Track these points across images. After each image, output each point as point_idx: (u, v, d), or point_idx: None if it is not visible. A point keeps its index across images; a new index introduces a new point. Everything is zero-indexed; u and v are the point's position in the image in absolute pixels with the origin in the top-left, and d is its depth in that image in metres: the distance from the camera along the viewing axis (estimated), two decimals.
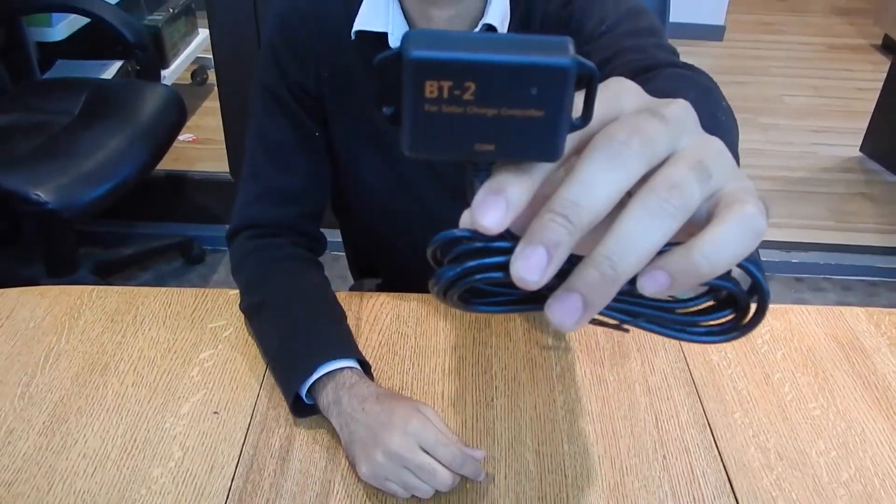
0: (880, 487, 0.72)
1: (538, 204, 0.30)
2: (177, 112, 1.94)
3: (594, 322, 0.32)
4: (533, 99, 0.28)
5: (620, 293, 0.29)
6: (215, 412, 0.79)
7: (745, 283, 0.31)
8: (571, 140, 0.30)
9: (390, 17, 0.83)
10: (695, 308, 0.33)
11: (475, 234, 0.31)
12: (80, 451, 0.74)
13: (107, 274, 2.08)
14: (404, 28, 0.83)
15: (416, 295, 0.96)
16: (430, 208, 0.95)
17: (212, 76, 3.07)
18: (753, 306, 0.32)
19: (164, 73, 2.74)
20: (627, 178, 0.29)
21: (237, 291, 0.95)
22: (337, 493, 0.71)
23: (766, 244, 2.33)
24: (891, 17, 3.68)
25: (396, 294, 0.96)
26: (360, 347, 0.85)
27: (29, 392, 0.81)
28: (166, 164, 1.96)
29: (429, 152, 0.30)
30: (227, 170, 2.27)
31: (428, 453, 0.69)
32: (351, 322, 0.88)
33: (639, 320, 0.33)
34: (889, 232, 2.47)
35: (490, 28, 0.82)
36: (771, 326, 0.92)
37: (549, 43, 0.28)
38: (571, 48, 0.28)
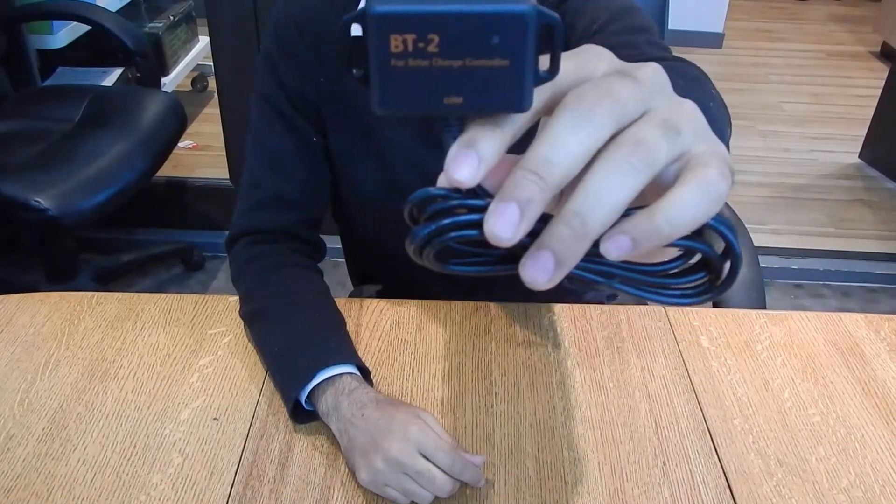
0: (880, 494, 0.72)
1: (514, 162, 0.30)
2: (177, 119, 1.94)
3: (571, 283, 0.32)
4: (496, 48, 0.28)
5: (596, 254, 0.30)
6: (215, 418, 0.79)
7: (718, 245, 0.32)
8: (542, 98, 0.31)
9: None
10: (670, 271, 0.34)
11: (451, 193, 0.32)
12: (80, 457, 0.74)
13: (107, 280, 2.08)
14: None
15: (415, 301, 0.96)
16: None
17: (212, 83, 3.07)
18: (727, 267, 0.32)
19: (164, 80, 2.74)
20: (598, 137, 0.30)
21: (237, 298, 0.95)
22: (336, 499, 0.71)
23: (766, 250, 2.33)
24: (889, 25, 3.70)
25: (396, 300, 0.96)
26: (360, 354, 0.85)
27: (28, 398, 0.81)
28: (166, 170, 1.97)
29: (399, 109, 0.30)
30: (228, 176, 2.27)
31: (428, 459, 0.69)
32: (350, 328, 0.88)
33: (613, 281, 0.33)
34: (888, 238, 2.47)
35: None
36: (770, 333, 0.92)
37: None
38: None
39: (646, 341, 0.90)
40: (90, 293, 0.96)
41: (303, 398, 0.77)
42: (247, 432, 0.77)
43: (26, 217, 1.60)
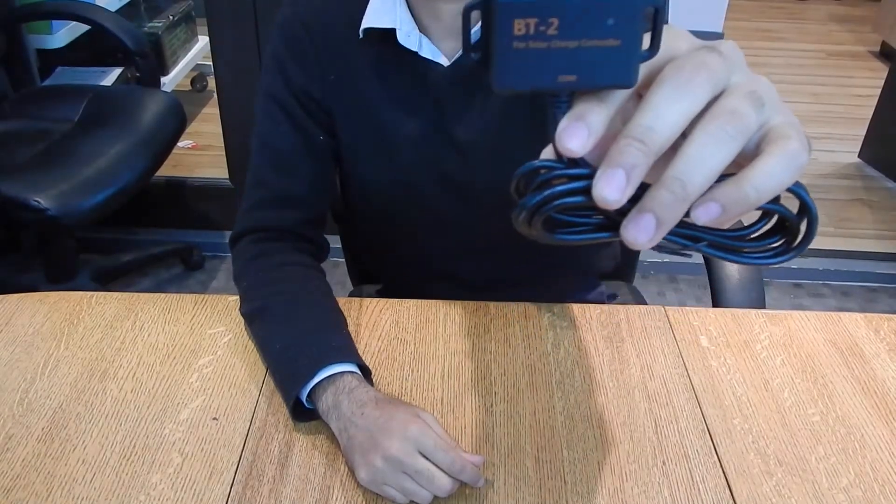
0: (880, 493, 0.72)
1: (611, 137, 0.33)
2: (176, 119, 1.94)
3: (661, 248, 0.35)
4: (610, 29, 0.32)
5: (682, 221, 0.33)
6: (214, 418, 0.79)
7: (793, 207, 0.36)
8: (641, 72, 0.34)
9: (397, 13, 0.85)
10: (751, 235, 0.36)
11: (556, 164, 0.35)
12: (79, 457, 0.74)
13: (106, 280, 2.08)
14: (411, 24, 0.85)
15: (414, 301, 0.96)
16: (433, 210, 0.96)
17: (211, 83, 3.07)
18: (803, 228, 0.36)
19: (163, 79, 2.74)
20: (695, 106, 0.33)
21: (236, 297, 0.95)
22: (336, 499, 0.71)
23: None
24: (889, 24, 3.70)
25: (395, 300, 0.96)
26: (360, 353, 0.85)
27: (28, 398, 0.81)
28: (166, 170, 1.97)
29: (517, 87, 0.33)
30: (227, 176, 2.27)
31: (427, 458, 0.69)
32: (350, 328, 0.88)
33: (700, 244, 0.36)
34: (888, 238, 2.47)
35: None
36: (770, 332, 0.92)
37: None
38: None
39: (645, 341, 0.90)
40: (89, 293, 0.96)
41: (303, 397, 0.77)
42: (246, 432, 0.77)
43: (26, 217, 1.60)
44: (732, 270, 1.03)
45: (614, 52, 0.32)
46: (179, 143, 2.00)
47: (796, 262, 2.35)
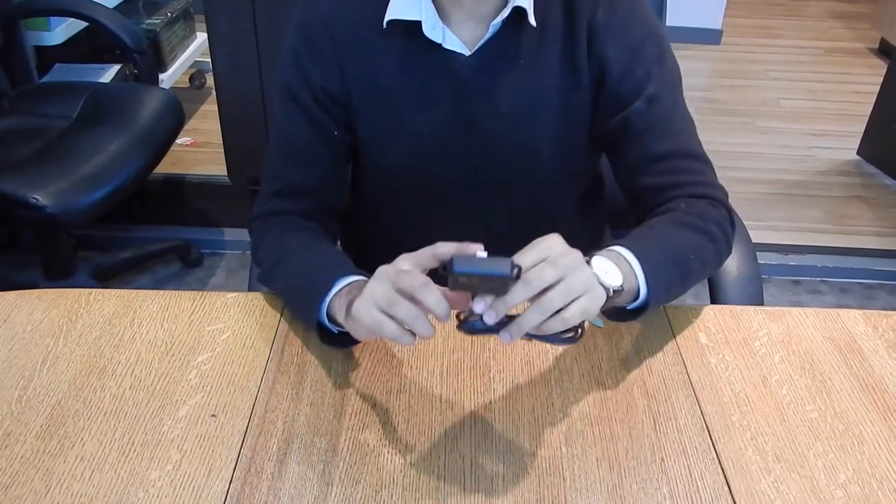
0: (878, 489, 0.72)
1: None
2: (175, 116, 1.94)
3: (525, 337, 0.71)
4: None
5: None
6: (213, 415, 0.79)
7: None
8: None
9: (422, 5, 0.88)
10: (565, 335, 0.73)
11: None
12: (78, 454, 0.74)
13: (105, 278, 2.08)
14: (435, 16, 0.88)
15: None
16: (448, 199, 1.00)
17: (210, 80, 3.07)
18: (581, 329, 0.74)
19: (162, 76, 2.74)
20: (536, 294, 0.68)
21: (235, 294, 0.95)
22: (335, 495, 0.71)
23: (765, 247, 2.33)
24: (888, 21, 3.70)
25: None
26: (358, 350, 0.85)
27: (26, 395, 0.81)
28: (164, 167, 1.96)
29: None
30: (226, 173, 2.27)
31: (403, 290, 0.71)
32: None
33: (533, 338, 0.73)
34: (886, 235, 2.48)
35: (519, 10, 0.87)
36: (769, 329, 0.92)
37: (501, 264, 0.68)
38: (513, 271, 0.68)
39: (644, 338, 0.90)
40: (87, 290, 0.96)
41: (323, 316, 0.81)
42: (245, 429, 0.77)
43: (24, 214, 1.60)
44: (731, 267, 1.03)
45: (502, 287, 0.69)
46: (178, 141, 2.00)
47: (795, 259, 2.35)
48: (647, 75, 0.91)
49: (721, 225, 0.90)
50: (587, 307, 0.70)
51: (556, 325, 0.69)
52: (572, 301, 0.69)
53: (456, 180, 0.99)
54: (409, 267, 0.72)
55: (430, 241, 1.05)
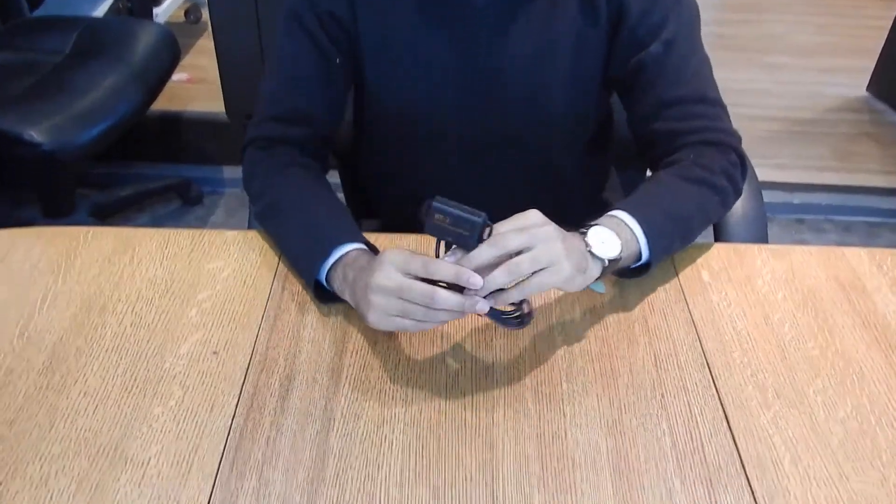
0: (876, 424, 0.73)
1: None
2: (170, 51, 1.90)
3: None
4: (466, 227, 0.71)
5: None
6: (214, 352, 0.79)
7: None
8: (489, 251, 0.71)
9: None
10: (511, 315, 0.76)
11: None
12: (81, 389, 0.74)
13: (104, 215, 2.07)
14: None
15: (415, 236, 0.95)
16: (453, 138, 0.98)
17: (206, 14, 3.00)
18: (525, 316, 0.76)
19: (156, 10, 2.68)
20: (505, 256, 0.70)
21: (235, 232, 0.94)
22: (337, 430, 0.71)
23: (770, 185, 2.31)
24: None
25: (396, 234, 0.95)
26: None
27: (27, 332, 0.81)
28: (161, 104, 1.93)
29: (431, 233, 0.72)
30: (223, 110, 2.23)
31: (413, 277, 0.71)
32: None
33: (488, 315, 0.74)
34: (893, 173, 2.45)
35: None
36: (772, 267, 0.92)
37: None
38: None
39: (647, 276, 0.90)
40: (85, 228, 0.95)
41: (322, 278, 0.81)
42: (247, 366, 0.78)
43: (20, 152, 1.58)
44: (736, 206, 1.02)
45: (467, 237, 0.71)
46: (174, 77, 1.96)
47: (799, 198, 2.33)
48: (665, 18, 0.90)
49: (729, 174, 0.89)
50: (544, 282, 0.71)
51: (513, 295, 0.71)
52: (535, 272, 0.70)
53: (464, 123, 0.97)
54: (401, 275, 0.71)
55: (434, 186, 1.04)
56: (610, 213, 0.83)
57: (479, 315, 0.74)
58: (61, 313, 0.83)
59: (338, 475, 0.67)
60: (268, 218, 0.92)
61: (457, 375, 0.77)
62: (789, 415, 0.74)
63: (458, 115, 0.96)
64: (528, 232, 0.70)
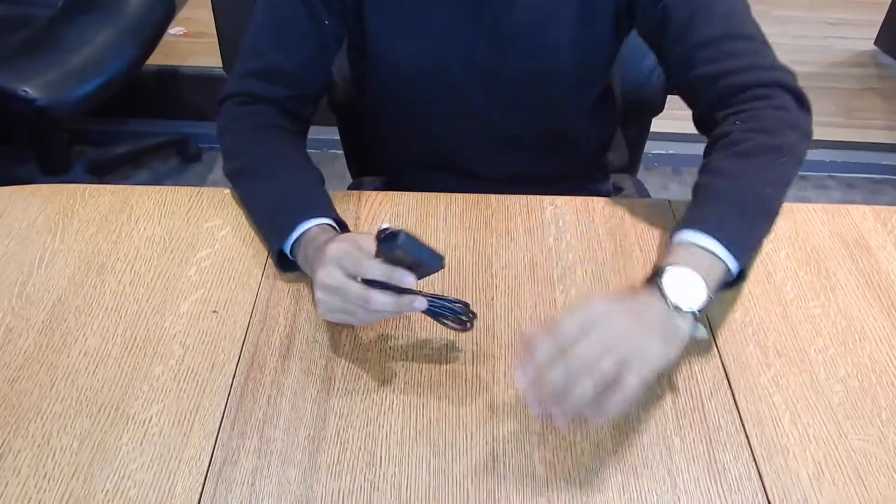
0: (877, 383, 0.73)
1: None
2: (164, 4, 1.86)
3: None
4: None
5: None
6: (214, 311, 0.79)
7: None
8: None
9: None
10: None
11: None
12: (81, 349, 0.74)
13: (102, 173, 2.06)
14: None
15: (415, 194, 0.94)
16: (457, 99, 0.96)
17: None
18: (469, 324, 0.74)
19: None
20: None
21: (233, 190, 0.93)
22: (337, 389, 0.71)
23: None
24: None
25: (395, 192, 0.94)
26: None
27: (26, 291, 0.80)
28: (157, 58, 1.90)
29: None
30: (221, 64, 2.20)
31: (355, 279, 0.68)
32: (349, 221, 0.87)
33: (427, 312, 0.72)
34: None
35: None
36: (776, 225, 0.91)
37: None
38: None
39: (648, 234, 0.89)
40: (82, 185, 0.94)
41: (287, 250, 0.79)
42: (247, 325, 0.77)
43: (14, 108, 1.56)
44: None
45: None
46: (170, 31, 1.93)
47: None
48: None
49: (790, 122, 0.80)
50: (642, 374, 0.61)
51: (615, 400, 0.60)
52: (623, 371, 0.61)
53: (468, 85, 0.94)
54: (341, 274, 0.68)
55: (438, 143, 1.03)
56: (678, 237, 0.73)
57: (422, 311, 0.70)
58: (60, 272, 0.83)
59: (339, 433, 0.67)
60: (237, 179, 0.89)
61: (457, 334, 0.77)
62: (790, 373, 0.74)
63: (464, 77, 0.94)
64: (603, 342, 0.61)
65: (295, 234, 0.78)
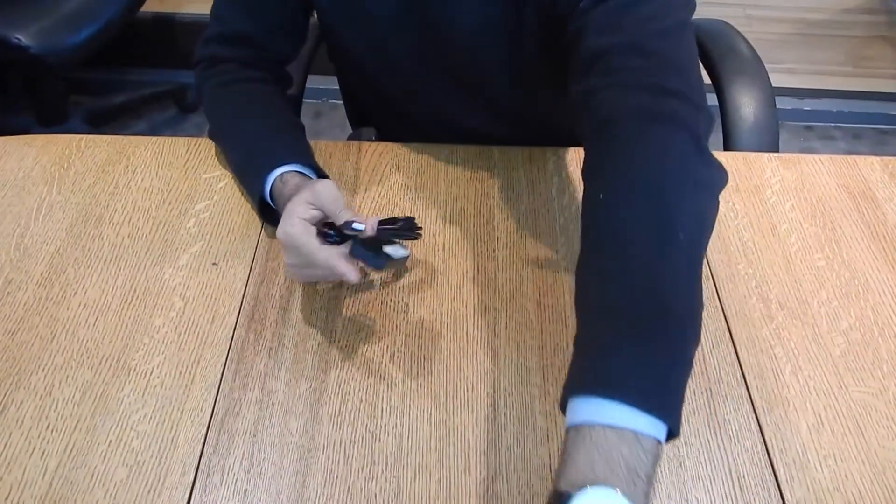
0: (879, 336, 0.73)
1: None
2: None
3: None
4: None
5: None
6: (214, 263, 0.78)
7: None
8: None
9: None
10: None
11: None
12: (81, 301, 0.74)
13: (100, 123, 2.03)
14: None
15: (415, 144, 0.93)
16: (416, 89, 0.92)
17: None
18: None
19: None
20: None
21: None
22: (339, 340, 0.71)
23: (779, 91, 2.25)
24: None
25: (395, 143, 0.93)
26: (359, 198, 0.84)
27: (24, 243, 0.80)
28: (152, 5, 1.86)
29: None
30: None
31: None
32: (349, 173, 0.86)
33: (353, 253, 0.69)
34: None
35: None
36: (782, 176, 0.90)
37: None
38: None
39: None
40: (78, 136, 0.93)
41: (267, 198, 0.78)
42: (247, 277, 0.77)
43: (7, 56, 1.53)
44: (748, 112, 0.99)
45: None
46: None
47: (809, 104, 2.28)
48: None
49: (685, 153, 0.61)
50: None
51: None
52: None
53: (418, 73, 0.90)
54: (304, 233, 0.67)
55: (409, 122, 1.00)
56: (571, 415, 0.50)
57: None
58: (57, 224, 0.82)
59: (340, 385, 0.67)
60: (216, 139, 0.88)
61: (459, 286, 0.76)
62: (792, 326, 0.73)
63: (412, 70, 0.89)
64: None
65: (266, 190, 0.77)
